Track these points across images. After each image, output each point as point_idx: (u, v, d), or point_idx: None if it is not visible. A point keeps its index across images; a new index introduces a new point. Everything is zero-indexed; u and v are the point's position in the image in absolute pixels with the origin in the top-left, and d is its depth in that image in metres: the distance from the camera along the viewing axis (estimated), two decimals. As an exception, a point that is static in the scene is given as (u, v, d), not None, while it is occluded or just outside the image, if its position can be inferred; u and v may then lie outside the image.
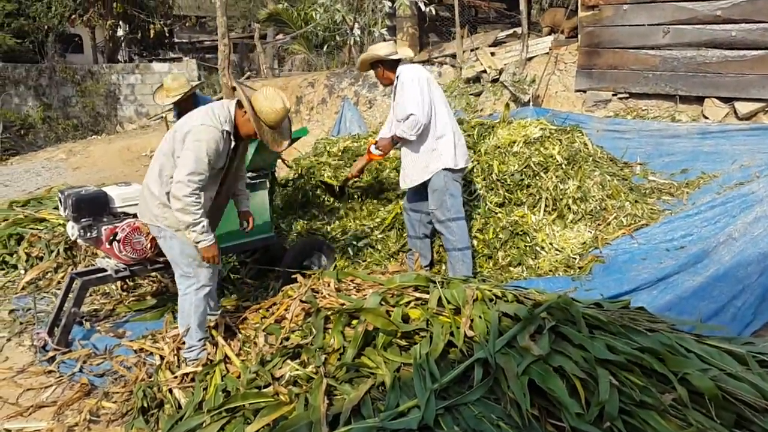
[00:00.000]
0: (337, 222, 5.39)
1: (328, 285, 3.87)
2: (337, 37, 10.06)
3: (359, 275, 3.91)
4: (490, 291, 3.37)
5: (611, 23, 6.90)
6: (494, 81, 7.95)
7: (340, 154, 6.30)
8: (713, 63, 6.44)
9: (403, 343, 3.11)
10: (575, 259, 4.65)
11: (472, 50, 8.42)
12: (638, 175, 5.75)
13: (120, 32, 20.05)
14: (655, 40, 6.66)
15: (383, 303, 3.30)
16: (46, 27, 18.53)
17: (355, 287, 3.86)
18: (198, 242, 3.27)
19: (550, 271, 4.59)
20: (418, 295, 3.41)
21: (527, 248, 4.79)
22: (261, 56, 13.11)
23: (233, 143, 3.30)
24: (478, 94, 8.03)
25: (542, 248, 4.81)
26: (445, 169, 4.17)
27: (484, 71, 8.07)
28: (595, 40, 7.05)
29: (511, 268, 4.70)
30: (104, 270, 4.09)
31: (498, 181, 5.18)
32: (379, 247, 5.06)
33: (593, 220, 4.97)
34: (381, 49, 4.28)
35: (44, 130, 18.39)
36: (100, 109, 18.42)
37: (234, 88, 10.73)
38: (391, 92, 4.41)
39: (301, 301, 3.76)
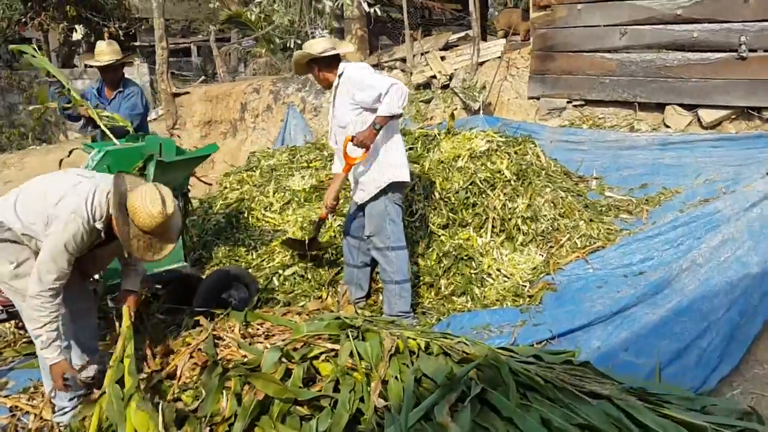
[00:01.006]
0: (264, 247, 4.84)
1: (233, 330, 3.34)
2: (294, 39, 9.51)
3: (269, 318, 3.40)
4: (415, 340, 2.87)
5: (565, 24, 6.53)
6: (444, 87, 7.57)
7: (270, 172, 5.78)
8: (674, 67, 6.11)
9: (304, 411, 2.59)
10: (525, 286, 4.27)
11: (422, 54, 7.96)
12: (594, 191, 5.41)
13: (78, 36, 19.18)
14: (612, 43, 6.31)
15: (285, 359, 2.77)
16: (-9, 31, 17.52)
17: (265, 332, 3.34)
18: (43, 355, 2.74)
19: (498, 300, 4.20)
20: (330, 345, 2.89)
21: (473, 275, 4.39)
22: (217, 60, 12.60)
23: (102, 238, 2.79)
24: (428, 101, 7.63)
25: (489, 275, 4.41)
26: (395, 183, 3.76)
27: (434, 76, 7.67)
28: (548, 42, 6.67)
29: (455, 298, 4.31)
30: (-22, 312, 3.49)
31: (441, 199, 4.78)
32: (310, 276, 4.58)
33: (545, 242, 4.60)
34: (314, 46, 3.76)
35: (-16, 140, 17.44)
36: (48, 116, 17.52)
37: (174, 95, 10.19)
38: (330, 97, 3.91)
39: (199, 350, 3.22)
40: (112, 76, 4.87)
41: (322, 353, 2.89)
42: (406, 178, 3.80)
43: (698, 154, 5.48)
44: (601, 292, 4.03)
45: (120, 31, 18.08)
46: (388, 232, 3.82)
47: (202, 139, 9.89)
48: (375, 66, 8.61)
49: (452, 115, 5.55)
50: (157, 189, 2.70)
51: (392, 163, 3.75)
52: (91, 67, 5.03)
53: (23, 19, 17.25)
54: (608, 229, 4.78)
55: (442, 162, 4.97)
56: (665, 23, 6.10)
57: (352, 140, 3.64)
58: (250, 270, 4.58)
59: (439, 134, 5.35)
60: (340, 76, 3.71)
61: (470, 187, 4.76)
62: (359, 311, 4.32)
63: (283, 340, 2.95)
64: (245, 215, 5.23)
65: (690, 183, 5.12)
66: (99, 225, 2.72)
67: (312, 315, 3.62)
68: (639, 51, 6.20)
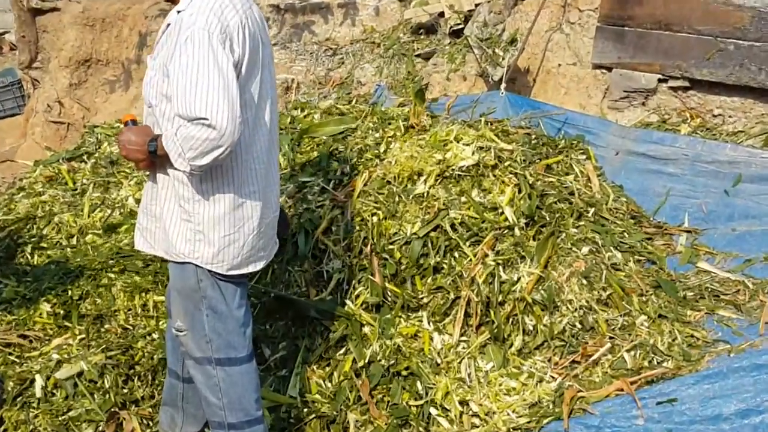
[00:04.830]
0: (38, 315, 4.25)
1: None
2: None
3: None
4: None
5: (665, -59, 5.80)
6: (456, 33, 6.84)
7: (111, 165, 5.32)
8: None
9: None
10: (510, 442, 3.83)
11: (434, -28, 7.19)
12: (680, 255, 4.79)
13: None
14: (745, -19, 5.55)
15: None
16: None
17: None
18: None
19: (451, 466, 3.76)
20: None
21: (412, 410, 3.86)
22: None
23: None
24: (428, 57, 6.95)
25: (446, 411, 3.86)
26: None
27: (443, 14, 6.95)
28: (633, -29, 5.97)
29: (372, 450, 3.88)
30: None
31: (377, 254, 4.29)
32: (109, 383, 3.93)
33: (563, 353, 4.12)
34: None
35: None
36: None
37: (34, 11, 9.65)
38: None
39: None
40: None
41: None
42: (240, 270, 3.19)
43: None
44: (649, 476, 3.52)
45: None
46: (205, 329, 3.18)
47: (73, 89, 9.33)
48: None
49: (420, 93, 4.91)
50: None
51: (210, 238, 3.10)
52: None
53: None
54: (691, 336, 4.19)
55: (388, 182, 4.47)
56: None
57: (122, 132, 3.08)
58: (6, 360, 4.00)
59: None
60: (181, 12, 2.98)
61: (433, 235, 4.28)
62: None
63: None
64: (26, 250, 4.67)
65: None
66: None
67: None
68: (794, -2, 5.46)
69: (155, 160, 2.99)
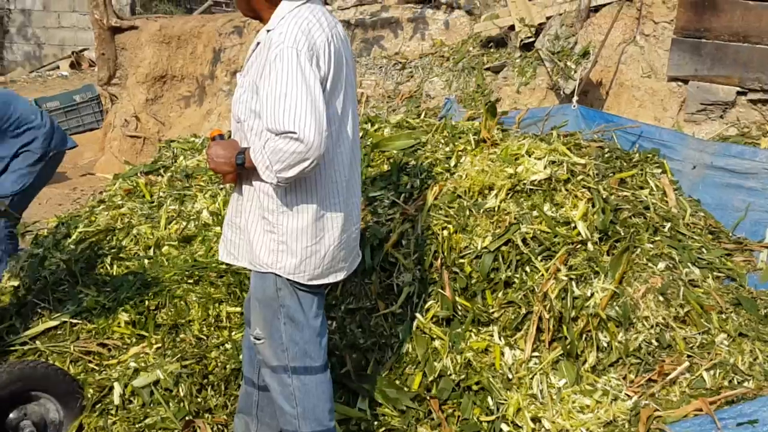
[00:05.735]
0: (116, 325, 4.29)
1: None
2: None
3: None
4: None
5: (743, -50, 5.74)
6: (526, 47, 6.79)
7: (185, 179, 5.43)
8: None
9: None
10: (585, 465, 3.74)
11: (504, -14, 7.17)
12: (761, 271, 4.69)
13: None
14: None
15: None
16: None
17: None
18: None
19: (522, 489, 3.74)
20: None
21: (484, 425, 3.81)
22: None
23: None
24: (497, 70, 6.88)
25: (517, 426, 3.82)
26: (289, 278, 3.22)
27: (513, 27, 6.89)
28: (709, -18, 5.90)
29: (442, 468, 3.81)
30: None
31: (447, 268, 4.23)
32: (183, 392, 3.96)
33: (639, 371, 4.01)
34: None
35: None
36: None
37: (114, 29, 9.86)
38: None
39: None
40: None
41: None
42: (321, 280, 3.24)
43: None
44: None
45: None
46: (283, 338, 3.23)
47: (149, 104, 9.60)
48: (425, 1, 7.87)
49: (492, 107, 4.82)
50: None
51: (293, 249, 3.14)
52: None
53: None
54: (773, 355, 4.10)
55: (459, 196, 4.42)
56: None
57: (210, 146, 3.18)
58: (86, 368, 4.08)
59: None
60: (270, 31, 3.10)
61: (504, 249, 4.22)
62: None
63: None
64: (105, 261, 4.72)
65: None
66: None
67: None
68: None
69: (242, 172, 3.08)
